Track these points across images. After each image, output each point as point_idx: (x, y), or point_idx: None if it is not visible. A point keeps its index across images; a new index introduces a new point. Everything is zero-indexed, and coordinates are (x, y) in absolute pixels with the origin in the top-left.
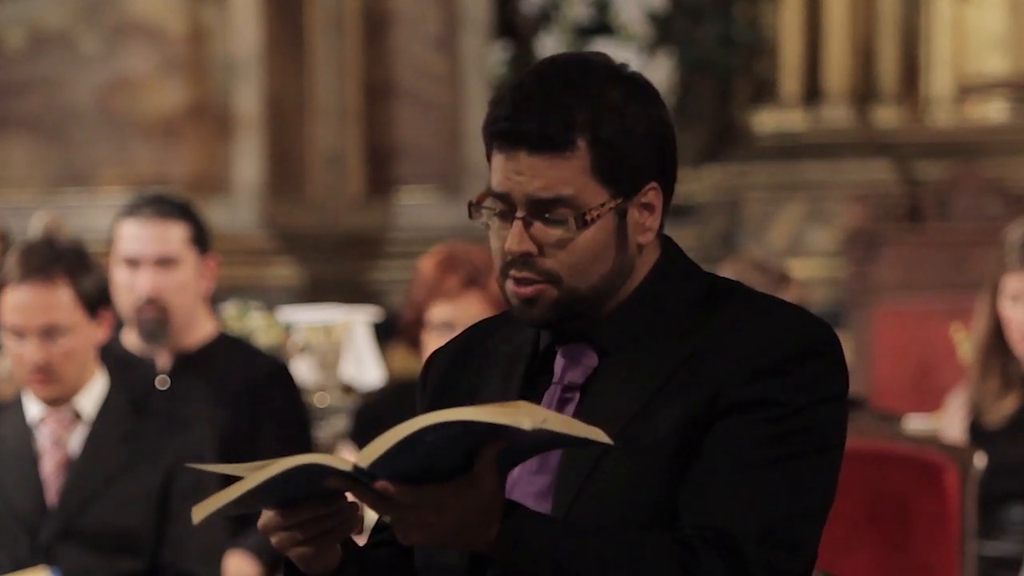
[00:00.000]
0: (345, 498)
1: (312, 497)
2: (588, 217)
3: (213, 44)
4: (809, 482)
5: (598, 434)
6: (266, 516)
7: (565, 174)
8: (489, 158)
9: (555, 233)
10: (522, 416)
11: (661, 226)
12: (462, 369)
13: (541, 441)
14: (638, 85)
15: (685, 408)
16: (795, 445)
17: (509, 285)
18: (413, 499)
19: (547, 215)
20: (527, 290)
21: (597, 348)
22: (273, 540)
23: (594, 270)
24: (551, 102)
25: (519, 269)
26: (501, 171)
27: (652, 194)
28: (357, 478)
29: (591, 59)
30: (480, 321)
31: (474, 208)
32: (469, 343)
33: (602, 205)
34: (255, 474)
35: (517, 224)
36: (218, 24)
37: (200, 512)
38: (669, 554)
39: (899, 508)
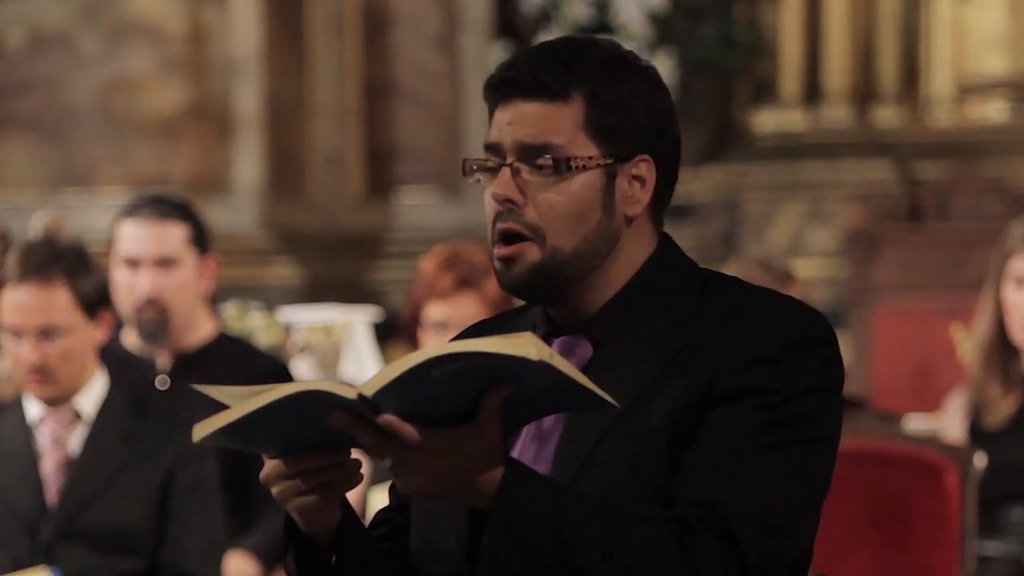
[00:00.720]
0: (348, 451)
1: (315, 447)
2: (573, 164)
3: (213, 44)
4: (802, 469)
5: (603, 392)
6: (269, 465)
7: (557, 123)
8: (490, 124)
9: (541, 180)
10: (529, 347)
11: (660, 222)
12: None
13: (547, 390)
14: (644, 68)
15: (680, 396)
16: (789, 432)
17: (496, 250)
18: (415, 439)
19: (535, 162)
20: (508, 249)
21: (591, 339)
22: (274, 490)
23: (577, 228)
24: (552, 58)
25: (504, 220)
26: (495, 124)
27: (644, 167)
28: (360, 413)
29: (601, 39)
30: (479, 322)
31: (468, 166)
32: None
33: (590, 159)
34: (258, 397)
35: (505, 171)
36: (218, 24)
37: (201, 430)
38: (666, 532)
39: (899, 508)
